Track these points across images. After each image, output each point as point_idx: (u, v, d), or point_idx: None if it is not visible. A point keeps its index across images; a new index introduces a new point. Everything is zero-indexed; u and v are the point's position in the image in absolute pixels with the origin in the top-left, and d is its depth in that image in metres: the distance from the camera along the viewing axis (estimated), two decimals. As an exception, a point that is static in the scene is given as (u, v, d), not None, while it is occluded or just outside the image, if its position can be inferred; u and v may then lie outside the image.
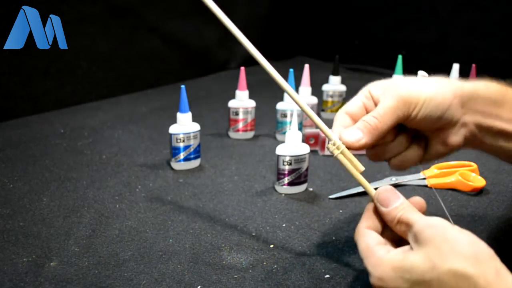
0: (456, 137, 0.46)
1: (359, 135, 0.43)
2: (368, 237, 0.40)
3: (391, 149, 0.47)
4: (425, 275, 0.34)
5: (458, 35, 1.42)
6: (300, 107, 0.44)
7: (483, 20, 1.37)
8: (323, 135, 0.83)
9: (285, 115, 0.88)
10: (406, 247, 0.38)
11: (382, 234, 0.42)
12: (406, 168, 0.48)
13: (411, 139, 0.48)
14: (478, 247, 0.34)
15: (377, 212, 0.42)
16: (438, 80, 0.46)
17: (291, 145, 0.67)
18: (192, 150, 0.75)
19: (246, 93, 0.89)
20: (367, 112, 0.46)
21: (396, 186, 0.69)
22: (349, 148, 0.44)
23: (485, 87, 0.46)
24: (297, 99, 0.44)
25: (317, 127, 0.44)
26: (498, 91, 0.46)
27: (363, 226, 0.42)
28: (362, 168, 0.43)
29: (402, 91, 0.44)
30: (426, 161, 0.49)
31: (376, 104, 0.46)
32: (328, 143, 0.44)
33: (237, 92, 0.89)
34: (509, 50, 1.29)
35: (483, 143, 0.48)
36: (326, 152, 0.83)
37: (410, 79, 0.46)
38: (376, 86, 0.47)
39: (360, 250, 0.40)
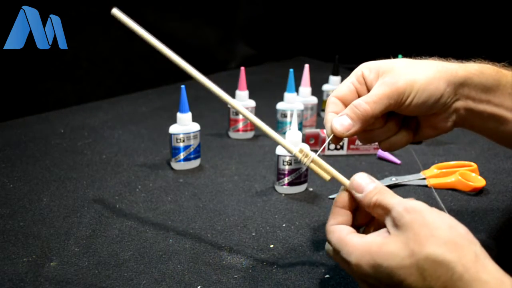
0: (446, 121, 0.47)
1: (349, 123, 0.44)
2: (338, 232, 0.39)
3: (380, 134, 0.48)
4: (404, 262, 0.33)
5: (457, 35, 1.42)
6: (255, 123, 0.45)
7: (483, 20, 1.37)
8: (323, 135, 0.83)
9: (285, 115, 0.88)
10: (382, 231, 0.37)
11: (352, 226, 0.41)
12: (395, 150, 0.49)
13: (401, 123, 0.48)
14: (457, 231, 0.34)
15: (346, 206, 0.41)
16: (432, 66, 0.45)
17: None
18: (192, 150, 0.75)
19: (246, 93, 0.89)
20: (359, 96, 0.46)
21: (396, 186, 0.70)
22: (339, 137, 0.44)
23: (479, 73, 0.46)
24: (253, 119, 0.44)
25: (278, 143, 0.44)
26: (493, 76, 0.46)
27: (330, 224, 0.41)
28: (330, 177, 0.43)
29: (396, 79, 0.44)
30: (414, 142, 0.50)
31: (368, 89, 0.46)
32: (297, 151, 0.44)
33: (237, 92, 0.89)
34: (509, 50, 1.29)
35: (473, 126, 0.49)
36: (326, 152, 0.83)
37: (404, 63, 0.46)
38: (370, 69, 0.47)
39: (333, 245, 0.38)
